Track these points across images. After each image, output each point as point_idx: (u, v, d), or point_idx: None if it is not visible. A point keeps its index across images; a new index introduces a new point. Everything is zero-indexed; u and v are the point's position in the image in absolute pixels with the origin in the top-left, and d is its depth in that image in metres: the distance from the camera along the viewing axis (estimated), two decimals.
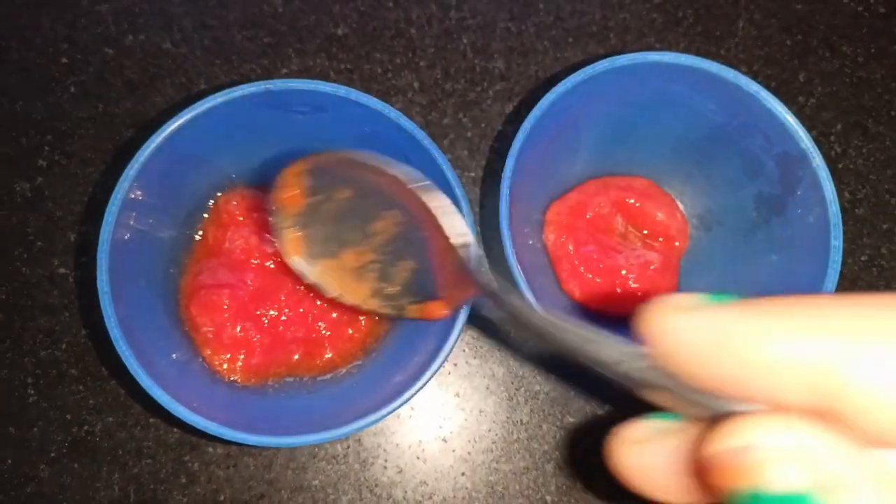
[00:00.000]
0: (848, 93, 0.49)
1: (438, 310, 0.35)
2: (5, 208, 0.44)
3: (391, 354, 0.40)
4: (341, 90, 0.36)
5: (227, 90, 0.36)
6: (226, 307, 0.38)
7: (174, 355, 0.37)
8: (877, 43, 0.50)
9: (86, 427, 0.42)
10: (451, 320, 0.36)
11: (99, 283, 0.33)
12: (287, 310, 0.39)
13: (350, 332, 0.40)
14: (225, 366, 0.39)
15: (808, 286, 0.38)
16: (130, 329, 0.34)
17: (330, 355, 0.40)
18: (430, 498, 0.42)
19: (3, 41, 0.45)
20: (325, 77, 0.46)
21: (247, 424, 0.34)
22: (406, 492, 0.42)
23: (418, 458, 0.42)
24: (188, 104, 0.36)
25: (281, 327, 0.39)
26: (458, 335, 0.35)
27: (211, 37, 0.46)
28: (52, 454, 0.41)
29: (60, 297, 0.43)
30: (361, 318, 0.40)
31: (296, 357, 0.40)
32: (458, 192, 0.36)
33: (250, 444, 0.33)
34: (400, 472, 0.42)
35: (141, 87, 0.46)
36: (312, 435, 0.34)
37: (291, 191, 0.35)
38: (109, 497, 0.41)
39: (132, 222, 0.36)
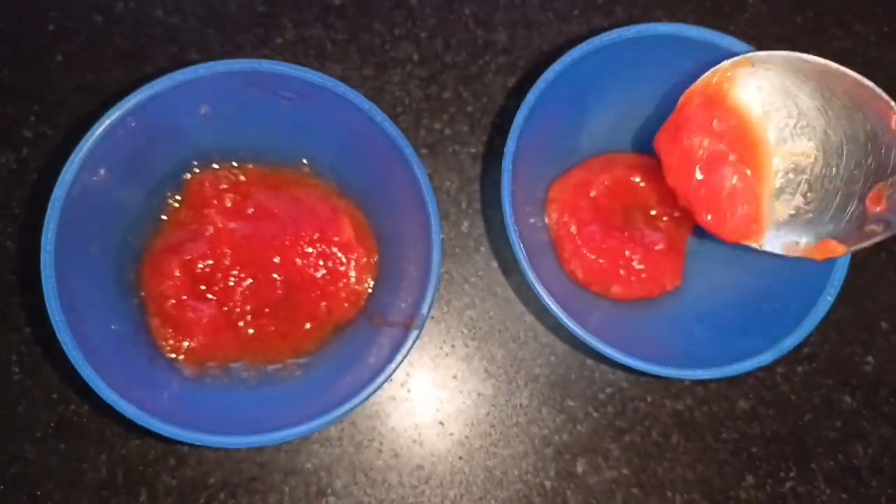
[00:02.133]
0: (860, 73, 0.48)
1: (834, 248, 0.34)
2: None
3: (342, 355, 0.38)
4: (330, 82, 0.35)
5: (210, 63, 0.35)
6: (177, 275, 0.37)
7: (115, 326, 0.36)
8: (890, 23, 0.48)
9: (72, 407, 0.40)
10: (406, 331, 0.35)
11: (43, 242, 0.33)
12: (245, 292, 0.38)
13: (307, 326, 0.39)
14: (171, 341, 0.37)
15: (818, 269, 0.37)
16: (72, 293, 0.33)
17: (280, 347, 0.39)
18: (427, 482, 0.41)
19: None
20: (321, 48, 0.44)
21: (188, 418, 0.34)
22: (402, 476, 0.41)
23: (414, 441, 0.41)
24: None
25: (238, 310, 0.38)
26: (414, 342, 0.35)
27: (204, 5, 0.45)
28: (38, 434, 0.40)
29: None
30: (323, 305, 0.39)
31: (245, 342, 0.38)
32: (431, 208, 0.35)
33: (184, 440, 0.33)
34: (395, 455, 0.41)
35: (131, 56, 0.44)
36: (253, 436, 0.33)
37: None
38: (97, 478, 0.40)
39: (93, 182, 0.35)
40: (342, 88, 0.35)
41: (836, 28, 0.48)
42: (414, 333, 0.34)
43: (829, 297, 0.36)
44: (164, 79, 0.34)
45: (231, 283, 0.38)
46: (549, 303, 0.35)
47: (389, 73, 0.44)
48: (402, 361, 0.34)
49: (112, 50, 0.44)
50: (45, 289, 0.33)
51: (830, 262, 0.37)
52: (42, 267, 0.33)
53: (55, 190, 0.33)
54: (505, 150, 0.36)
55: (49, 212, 0.33)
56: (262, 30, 0.44)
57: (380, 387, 0.34)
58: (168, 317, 0.37)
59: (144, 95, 0.34)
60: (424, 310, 0.35)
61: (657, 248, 0.41)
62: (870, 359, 0.44)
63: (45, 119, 0.43)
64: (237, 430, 0.34)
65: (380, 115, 0.35)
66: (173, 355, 0.37)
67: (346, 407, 0.33)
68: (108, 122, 0.34)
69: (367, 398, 0.34)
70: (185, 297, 0.37)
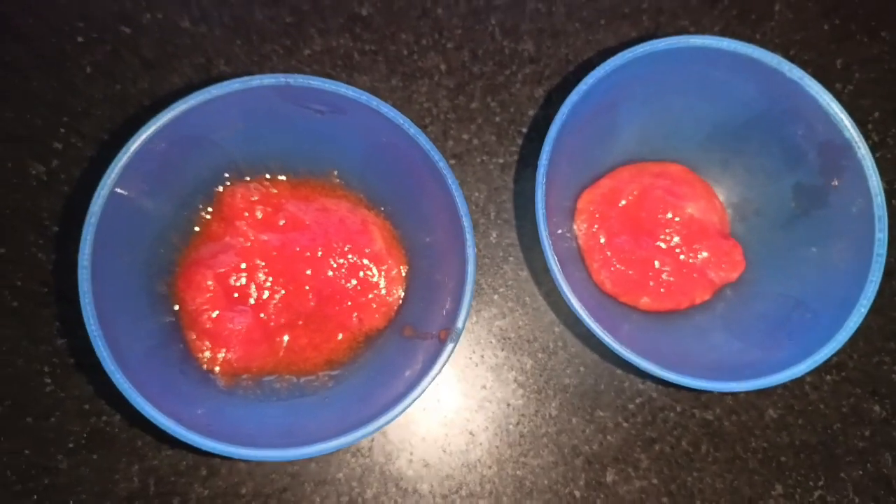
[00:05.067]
0: (887, 80, 0.48)
1: None
2: (19, 191, 0.42)
3: (374, 366, 0.38)
4: (363, 96, 0.35)
5: (245, 78, 0.35)
6: (211, 287, 0.37)
7: (148, 338, 0.36)
8: None
9: (104, 417, 0.40)
10: (440, 343, 0.35)
11: (80, 257, 0.33)
12: (279, 304, 0.38)
13: (339, 337, 0.39)
14: (207, 353, 0.37)
15: (850, 280, 0.37)
16: (106, 306, 0.33)
17: (314, 358, 0.39)
18: (457, 492, 0.41)
19: (17, 19, 0.44)
20: (348, 59, 0.44)
21: (222, 430, 0.34)
22: (432, 485, 0.41)
23: (444, 451, 0.41)
24: (206, 85, 0.34)
25: (272, 323, 0.38)
26: (449, 355, 0.35)
27: (231, 15, 0.45)
28: (70, 445, 0.40)
29: (75, 283, 0.41)
30: (354, 316, 0.39)
31: (279, 354, 0.38)
32: (466, 221, 0.35)
33: (218, 453, 0.33)
34: (426, 465, 0.41)
35: (158, 66, 0.44)
36: (293, 450, 0.33)
37: None
38: (129, 489, 0.40)
39: (127, 196, 0.34)
40: (375, 102, 0.35)
41: (862, 35, 0.48)
42: (449, 347, 0.34)
43: (862, 309, 0.36)
44: (198, 93, 0.34)
45: (265, 296, 0.38)
46: (582, 314, 0.35)
47: (417, 83, 0.44)
48: (437, 375, 0.34)
49: (139, 60, 0.44)
50: (83, 304, 0.33)
51: (863, 272, 0.37)
52: (80, 282, 0.33)
53: (91, 205, 0.33)
54: (538, 163, 0.36)
55: (85, 227, 0.33)
56: (288, 40, 0.44)
57: (415, 400, 0.34)
58: (204, 330, 0.37)
59: (179, 110, 0.34)
60: (460, 323, 0.35)
61: (686, 258, 0.41)
62: None
63: (74, 129, 0.43)
64: (271, 442, 0.34)
65: (413, 129, 0.35)
66: (209, 368, 0.37)
67: (383, 420, 0.33)
68: (143, 136, 0.34)
69: (402, 411, 0.34)
70: (220, 311, 0.37)
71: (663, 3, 0.47)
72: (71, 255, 0.41)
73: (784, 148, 0.40)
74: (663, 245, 0.41)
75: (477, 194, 0.44)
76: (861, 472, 0.43)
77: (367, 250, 0.39)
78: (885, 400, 0.44)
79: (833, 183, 0.38)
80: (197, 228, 0.39)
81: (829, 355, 0.36)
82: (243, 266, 0.38)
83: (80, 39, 0.44)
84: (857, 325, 0.36)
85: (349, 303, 0.39)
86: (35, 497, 0.40)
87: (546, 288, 0.43)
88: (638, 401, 0.43)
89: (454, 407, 0.42)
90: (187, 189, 0.38)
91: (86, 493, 0.40)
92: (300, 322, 0.38)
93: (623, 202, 0.41)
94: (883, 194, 0.37)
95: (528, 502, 0.41)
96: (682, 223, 0.41)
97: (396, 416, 0.34)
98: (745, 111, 0.40)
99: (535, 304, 0.43)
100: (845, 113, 0.37)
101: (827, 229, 0.39)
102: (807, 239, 0.40)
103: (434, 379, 0.34)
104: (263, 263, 0.38)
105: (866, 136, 0.47)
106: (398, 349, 0.38)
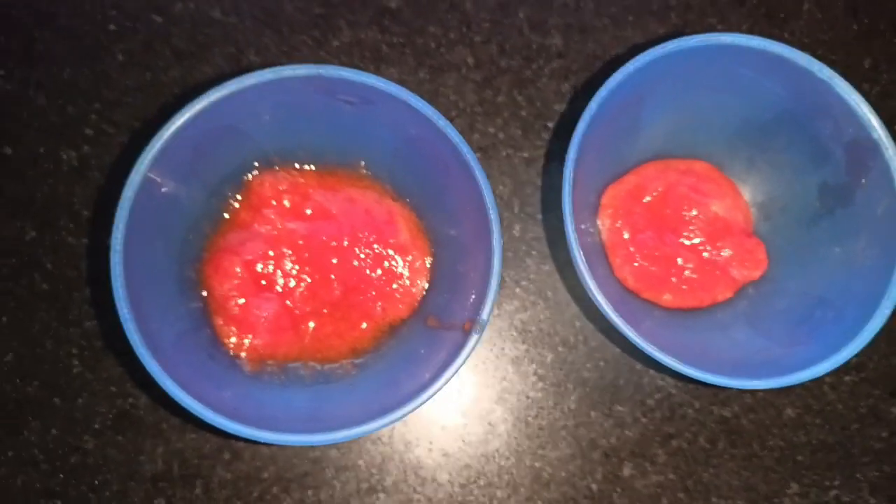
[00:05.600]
0: None
1: None
2: (52, 177, 0.43)
3: (397, 355, 0.39)
4: (393, 88, 0.35)
5: (277, 68, 0.35)
6: (239, 274, 0.38)
7: (177, 322, 0.37)
8: None
9: (130, 400, 0.41)
10: (464, 335, 0.35)
11: (112, 241, 0.33)
12: (304, 292, 0.39)
13: (363, 326, 0.39)
14: (233, 339, 0.38)
15: (874, 280, 0.37)
16: (137, 291, 0.34)
17: (339, 346, 0.39)
18: (475, 482, 0.42)
19: (51, 7, 0.44)
20: (376, 51, 0.45)
21: (247, 414, 0.34)
22: (450, 475, 0.42)
23: (464, 441, 0.42)
24: (237, 75, 0.35)
25: (297, 311, 0.39)
26: (474, 346, 0.35)
27: (261, 6, 0.45)
28: (97, 426, 0.41)
29: (106, 268, 0.42)
30: (378, 305, 0.39)
31: (304, 341, 0.39)
32: (493, 214, 0.36)
33: (244, 436, 0.33)
34: (445, 455, 0.42)
35: (189, 56, 0.45)
36: (319, 435, 0.34)
37: None
38: (153, 470, 0.41)
39: (159, 183, 0.35)
40: (405, 94, 0.35)
41: (891, 34, 0.48)
42: (474, 338, 0.35)
43: (886, 310, 0.36)
44: (230, 82, 0.35)
45: (291, 284, 0.38)
46: (607, 310, 0.36)
47: (444, 76, 0.45)
48: (461, 365, 0.35)
49: (170, 49, 0.45)
50: (114, 287, 0.33)
51: (887, 273, 0.37)
52: (112, 266, 0.33)
53: (124, 190, 0.34)
54: (566, 158, 0.36)
55: (118, 212, 0.34)
56: (317, 32, 0.45)
57: (439, 389, 0.34)
58: (231, 316, 0.37)
59: (212, 99, 0.35)
60: (485, 315, 0.35)
61: (709, 256, 0.41)
62: None
63: (105, 117, 0.44)
64: (295, 427, 0.34)
65: (442, 121, 0.36)
66: (235, 353, 0.38)
67: (407, 408, 0.34)
68: (178, 123, 0.34)
69: (426, 400, 0.34)
70: (247, 297, 0.37)
71: (692, 1, 0.47)
72: (100, 240, 0.42)
73: (811, 146, 0.40)
74: (686, 242, 0.41)
75: (501, 188, 0.44)
76: (877, 473, 0.43)
77: (392, 241, 0.39)
78: None
79: (862, 181, 0.38)
80: (226, 216, 0.39)
81: (851, 355, 0.36)
82: (270, 254, 0.38)
83: (112, 28, 0.45)
84: (881, 326, 0.36)
85: (373, 292, 0.39)
86: (61, 476, 0.41)
87: (569, 282, 0.43)
88: (657, 396, 0.43)
89: (474, 398, 0.42)
90: (217, 177, 0.39)
91: (111, 473, 0.41)
92: (325, 310, 0.39)
93: (648, 198, 0.42)
94: None
95: (546, 494, 0.42)
96: (706, 221, 0.41)
97: (420, 404, 0.34)
98: (772, 109, 0.40)
99: (556, 299, 0.43)
100: (874, 114, 0.37)
101: (851, 229, 0.39)
102: (831, 238, 0.40)
103: (458, 370, 0.35)
104: (290, 252, 0.38)
105: (893, 136, 0.47)
106: (422, 339, 0.38)
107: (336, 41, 0.45)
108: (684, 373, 0.36)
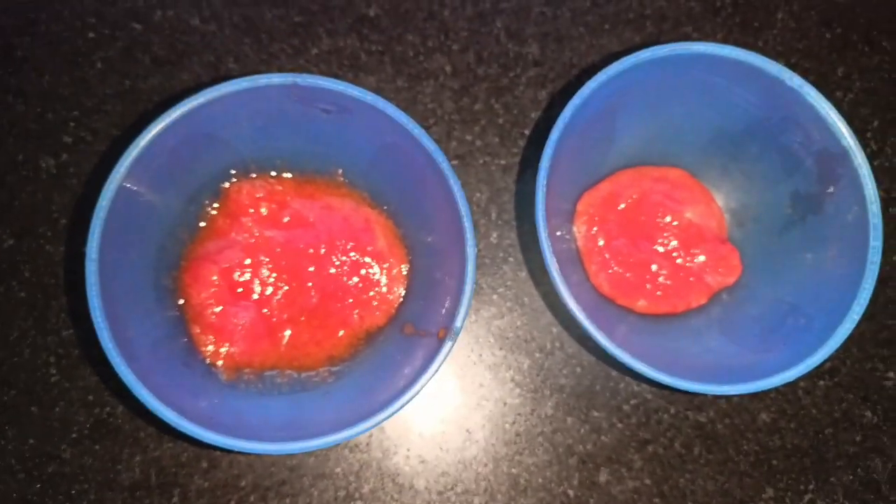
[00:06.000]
0: (886, 89, 0.48)
1: None
2: (30, 184, 0.43)
3: (374, 363, 0.39)
4: (368, 96, 0.36)
5: (253, 76, 0.35)
6: (216, 282, 0.38)
7: (153, 331, 0.37)
8: None
9: (107, 408, 0.41)
10: (438, 342, 0.36)
11: (87, 250, 0.33)
12: (282, 300, 0.39)
13: (340, 333, 0.40)
14: (210, 347, 0.38)
15: (844, 286, 0.38)
16: (113, 299, 0.34)
17: (315, 354, 0.40)
18: (452, 489, 0.42)
19: (31, 14, 0.45)
20: (355, 59, 0.45)
21: (224, 423, 0.34)
22: (428, 482, 0.42)
23: (441, 448, 0.42)
24: (215, 83, 0.35)
25: (275, 319, 0.39)
26: (447, 354, 0.35)
27: (240, 14, 0.45)
28: (74, 435, 0.41)
29: (83, 276, 0.42)
30: (356, 313, 0.40)
31: (281, 349, 0.39)
32: (466, 222, 0.36)
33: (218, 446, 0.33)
34: (422, 462, 0.42)
35: (168, 63, 0.45)
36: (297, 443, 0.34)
37: None
38: (131, 479, 0.41)
39: (135, 191, 0.35)
40: (381, 103, 0.36)
41: (863, 44, 0.48)
42: (448, 345, 0.35)
43: (855, 316, 0.37)
44: (207, 91, 0.35)
45: (268, 292, 0.38)
46: (579, 316, 0.36)
47: (422, 84, 0.45)
48: (435, 372, 0.35)
49: (150, 57, 0.45)
50: (89, 296, 0.33)
51: (857, 279, 0.37)
52: (87, 275, 0.33)
53: (99, 199, 0.34)
54: (539, 166, 0.36)
55: (93, 221, 0.34)
56: (297, 40, 0.45)
57: (413, 397, 0.35)
58: (208, 324, 0.38)
59: (188, 107, 0.35)
60: (458, 322, 0.35)
61: (685, 262, 0.42)
62: (891, 374, 0.45)
63: (84, 125, 0.44)
64: (272, 435, 0.35)
65: (417, 129, 0.36)
66: (212, 361, 0.38)
67: (382, 416, 0.34)
68: (153, 132, 0.34)
69: (400, 408, 0.34)
70: (224, 305, 0.38)
71: (667, 10, 0.47)
72: (79, 248, 0.42)
73: (782, 155, 0.40)
74: (661, 249, 0.42)
75: (479, 195, 0.44)
76: (851, 477, 0.43)
77: (369, 248, 0.40)
78: (876, 406, 0.44)
79: (829, 190, 0.39)
80: (203, 224, 0.40)
81: (821, 360, 0.37)
82: (248, 262, 0.38)
83: (91, 35, 0.45)
84: (850, 332, 0.37)
85: (351, 300, 0.40)
86: (38, 486, 0.40)
87: (544, 289, 0.44)
88: (633, 402, 0.43)
89: (452, 404, 0.43)
90: (194, 185, 0.39)
91: (89, 482, 0.41)
92: (302, 318, 0.39)
93: (622, 205, 0.42)
94: (878, 202, 0.37)
95: (523, 500, 0.42)
96: (680, 227, 0.42)
97: (395, 412, 0.34)
98: (745, 118, 0.41)
99: (533, 305, 0.44)
100: (843, 121, 0.38)
101: (823, 236, 0.40)
102: (803, 245, 0.40)
103: (432, 377, 0.35)
104: (267, 259, 0.39)
105: (865, 144, 0.47)
106: (398, 346, 0.39)
107: (315, 49, 0.45)
108: (657, 379, 0.36)
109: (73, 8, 0.45)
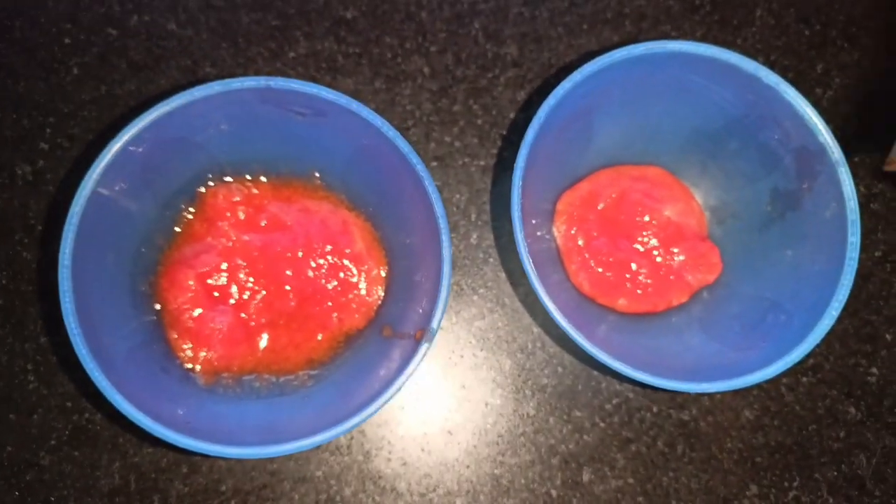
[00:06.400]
0: (865, 85, 0.48)
1: None
2: (6, 191, 0.43)
3: (353, 366, 0.39)
4: (342, 99, 0.36)
5: (226, 80, 0.35)
6: (193, 287, 0.38)
7: (130, 336, 0.37)
8: None
9: (86, 415, 0.41)
10: (416, 343, 0.36)
11: (60, 257, 0.33)
12: (259, 304, 0.39)
13: (319, 337, 0.39)
14: (188, 352, 0.38)
15: (823, 283, 0.38)
16: (88, 304, 0.34)
17: (294, 358, 0.39)
18: (434, 490, 0.42)
19: (6, 20, 0.44)
20: (333, 61, 0.45)
21: (201, 428, 0.34)
22: (410, 484, 0.42)
23: (423, 450, 0.42)
24: (192, 87, 0.35)
25: (253, 323, 0.39)
26: (424, 355, 0.35)
27: (217, 18, 0.45)
28: (53, 442, 0.41)
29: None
30: (334, 316, 0.40)
31: (259, 353, 0.39)
32: (442, 223, 0.36)
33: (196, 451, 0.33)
34: (404, 464, 0.42)
35: (145, 68, 0.45)
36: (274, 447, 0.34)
37: None
38: (110, 485, 0.41)
39: (109, 196, 0.35)
40: (355, 105, 0.36)
41: (842, 40, 0.48)
42: (424, 346, 0.35)
43: (834, 312, 0.37)
44: (180, 95, 0.35)
45: (246, 296, 0.38)
46: (557, 315, 0.36)
47: (400, 86, 0.45)
48: (411, 374, 0.35)
49: (126, 62, 0.45)
50: (63, 302, 0.33)
51: (835, 275, 0.37)
52: (59, 281, 0.33)
53: (72, 205, 0.34)
54: (515, 166, 0.36)
55: (66, 226, 0.34)
56: (274, 43, 0.45)
57: (389, 399, 0.34)
58: (185, 329, 0.37)
59: (161, 112, 0.35)
60: (435, 323, 0.35)
61: (664, 261, 0.42)
62: (874, 370, 0.45)
63: (61, 130, 0.44)
64: (250, 440, 0.34)
65: (392, 132, 0.36)
66: (190, 366, 0.38)
67: (357, 419, 0.34)
68: (125, 137, 0.34)
69: (377, 410, 0.34)
70: (201, 310, 0.37)
71: (646, 9, 0.47)
72: (55, 255, 0.42)
73: (761, 152, 0.40)
74: (641, 248, 0.42)
75: (458, 196, 0.44)
76: (836, 473, 0.43)
77: (347, 251, 0.39)
78: (859, 402, 0.44)
79: (804, 186, 0.39)
80: (179, 229, 0.39)
81: (801, 356, 0.37)
82: (225, 266, 0.38)
83: (67, 41, 0.45)
84: (829, 328, 0.37)
85: (329, 303, 0.39)
86: (17, 493, 0.40)
87: (524, 289, 0.44)
88: (615, 401, 0.43)
89: (433, 406, 0.43)
90: (170, 189, 0.39)
91: (68, 489, 0.40)
92: (281, 322, 0.39)
93: (602, 205, 0.42)
94: (856, 199, 0.37)
95: (505, 501, 0.42)
96: (659, 226, 0.42)
97: (371, 414, 0.34)
98: (723, 115, 0.41)
99: (513, 306, 0.44)
100: (820, 118, 0.38)
101: (801, 233, 0.40)
102: (782, 242, 0.40)
103: (409, 378, 0.35)
104: (245, 263, 0.38)
105: (846, 140, 0.47)
106: (377, 349, 0.38)
107: (292, 52, 0.45)
108: (638, 379, 0.36)
109: (48, 13, 0.45)
